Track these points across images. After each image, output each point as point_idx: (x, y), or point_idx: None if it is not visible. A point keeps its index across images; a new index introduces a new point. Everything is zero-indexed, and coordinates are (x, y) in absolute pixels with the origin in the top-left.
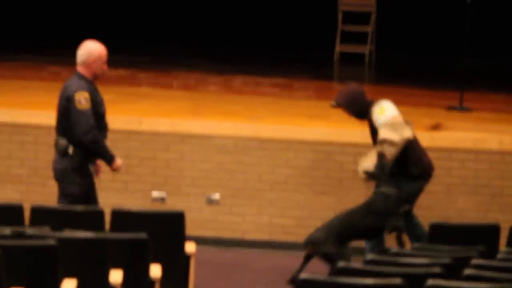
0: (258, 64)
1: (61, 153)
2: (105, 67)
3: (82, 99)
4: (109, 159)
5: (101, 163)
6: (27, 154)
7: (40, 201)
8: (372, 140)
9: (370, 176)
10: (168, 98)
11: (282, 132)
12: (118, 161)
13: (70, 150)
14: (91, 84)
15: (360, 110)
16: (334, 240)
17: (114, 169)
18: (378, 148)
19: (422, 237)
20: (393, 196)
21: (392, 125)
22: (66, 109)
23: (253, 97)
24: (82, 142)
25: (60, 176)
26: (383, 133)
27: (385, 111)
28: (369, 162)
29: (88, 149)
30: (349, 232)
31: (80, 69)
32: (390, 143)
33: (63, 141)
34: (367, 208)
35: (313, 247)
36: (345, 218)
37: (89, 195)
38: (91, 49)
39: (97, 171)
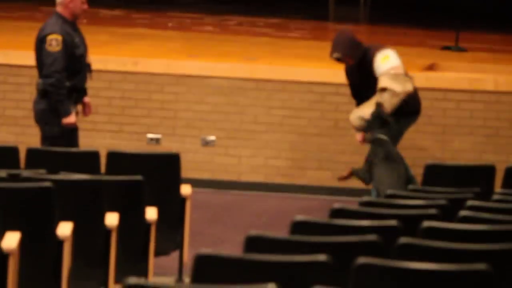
0: (253, 4)
1: (40, 94)
2: (84, 6)
3: (53, 41)
4: (63, 111)
5: (89, 102)
6: (22, 95)
7: (36, 144)
8: (360, 85)
9: (365, 124)
10: (163, 38)
11: (277, 73)
12: (71, 118)
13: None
14: (70, 24)
15: (359, 55)
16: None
17: (64, 124)
18: (377, 97)
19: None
20: (387, 140)
21: (394, 75)
22: (39, 50)
23: (248, 37)
24: (45, 84)
25: (40, 118)
26: (384, 82)
27: (389, 59)
28: (365, 110)
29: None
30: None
31: (59, 8)
32: (392, 93)
33: (41, 82)
34: (372, 161)
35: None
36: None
37: (71, 136)
38: None
39: (86, 111)
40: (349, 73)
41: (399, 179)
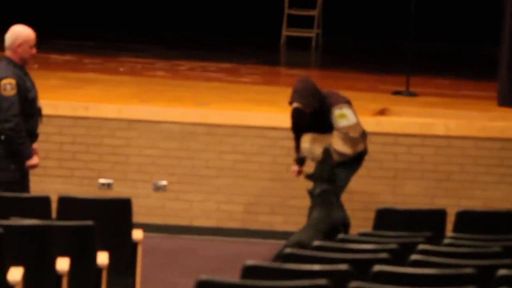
0: (204, 49)
1: None
2: (33, 51)
3: (7, 85)
4: (26, 154)
5: (37, 148)
6: None
7: None
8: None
9: (310, 176)
10: (114, 83)
11: (228, 118)
12: (35, 160)
13: (3, 136)
14: (20, 68)
15: (316, 105)
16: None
17: (28, 166)
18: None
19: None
20: (330, 190)
21: (347, 138)
22: None
23: (199, 82)
24: (3, 129)
25: None
26: (337, 144)
27: (346, 117)
28: (317, 147)
29: (8, 137)
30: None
31: (8, 53)
32: (342, 155)
33: None
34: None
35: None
36: (321, 215)
37: (23, 181)
38: (17, 33)
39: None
40: (297, 116)
41: (322, 222)
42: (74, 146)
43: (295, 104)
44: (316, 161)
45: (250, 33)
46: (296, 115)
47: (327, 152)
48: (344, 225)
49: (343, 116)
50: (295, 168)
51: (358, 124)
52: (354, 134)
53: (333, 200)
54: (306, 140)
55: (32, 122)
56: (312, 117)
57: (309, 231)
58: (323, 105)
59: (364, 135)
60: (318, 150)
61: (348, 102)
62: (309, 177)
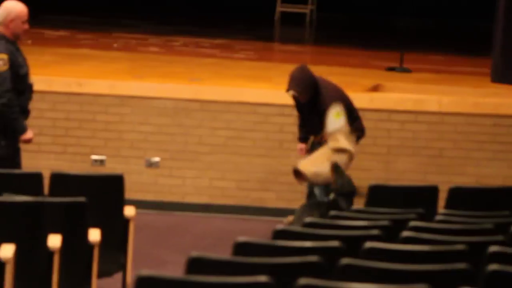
0: (198, 25)
1: None
2: (25, 26)
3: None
4: (20, 129)
5: (31, 126)
6: None
7: None
8: (307, 118)
9: (337, 190)
10: (108, 59)
11: (222, 94)
12: (29, 134)
13: None
14: (13, 44)
15: (312, 94)
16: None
17: (23, 141)
18: (333, 155)
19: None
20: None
21: (348, 135)
22: None
23: (193, 58)
24: None
25: None
26: (343, 142)
27: (340, 116)
28: (319, 165)
29: (0, 113)
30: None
31: (0, 29)
32: (350, 155)
33: None
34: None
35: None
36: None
37: (14, 157)
38: (9, 8)
39: None
40: (298, 105)
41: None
42: (67, 122)
43: (291, 92)
44: (326, 181)
45: (244, 9)
46: (295, 104)
47: (336, 166)
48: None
49: (339, 115)
50: (301, 146)
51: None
52: (347, 130)
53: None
54: (306, 165)
55: (23, 98)
56: (308, 106)
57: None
58: (318, 99)
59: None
60: (324, 170)
61: (341, 97)
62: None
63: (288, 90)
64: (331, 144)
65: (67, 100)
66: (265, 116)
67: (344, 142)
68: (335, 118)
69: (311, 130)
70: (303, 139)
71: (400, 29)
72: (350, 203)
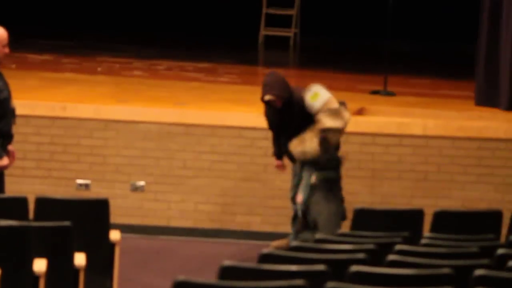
0: (182, 49)
1: None
2: (5, 50)
3: None
4: None
5: (14, 151)
6: None
7: None
8: (281, 126)
9: (317, 165)
10: (92, 83)
11: (206, 118)
12: (4, 161)
13: None
14: None
15: (287, 98)
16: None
17: None
18: (319, 133)
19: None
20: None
21: (332, 111)
22: None
23: (177, 82)
24: None
25: None
26: (326, 122)
27: (319, 95)
28: (307, 144)
29: None
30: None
31: None
32: (335, 131)
33: None
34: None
35: None
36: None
37: None
38: None
39: (9, 160)
40: (270, 115)
41: (336, 215)
42: (51, 146)
43: (267, 97)
44: (314, 158)
45: (228, 33)
46: (269, 110)
47: (323, 139)
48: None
49: (316, 96)
50: (278, 163)
51: (332, 97)
52: (334, 105)
53: (337, 190)
54: (295, 145)
55: (4, 123)
56: (284, 111)
57: (329, 228)
58: (292, 99)
59: (343, 103)
60: (312, 146)
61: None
62: (317, 168)
63: (263, 97)
64: (317, 126)
65: (52, 125)
66: (250, 140)
67: (326, 121)
68: (312, 101)
69: (293, 135)
70: (277, 154)
71: (384, 53)
72: (338, 174)
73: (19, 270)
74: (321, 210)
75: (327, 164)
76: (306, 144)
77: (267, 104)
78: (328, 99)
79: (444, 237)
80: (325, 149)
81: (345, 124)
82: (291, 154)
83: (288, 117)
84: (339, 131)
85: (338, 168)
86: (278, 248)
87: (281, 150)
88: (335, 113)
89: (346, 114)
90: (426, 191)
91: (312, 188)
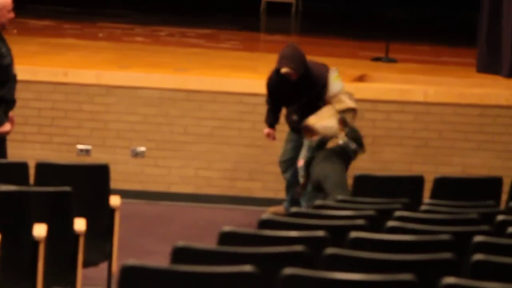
0: (183, 15)
1: None
2: (11, 15)
3: None
4: None
5: (14, 116)
6: None
7: None
8: (287, 98)
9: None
10: (93, 49)
11: (208, 84)
12: (6, 127)
13: None
14: None
15: (303, 72)
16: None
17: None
18: (338, 114)
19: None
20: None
21: (348, 94)
22: None
23: (179, 48)
24: None
25: None
26: (348, 102)
27: (339, 78)
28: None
29: None
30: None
31: None
32: (354, 110)
33: None
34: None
35: None
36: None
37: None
38: None
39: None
40: (275, 86)
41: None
42: (52, 112)
43: (284, 69)
44: (334, 135)
45: None
46: (278, 80)
47: (344, 120)
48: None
49: (338, 78)
50: (269, 131)
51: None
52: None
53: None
54: (315, 120)
55: (7, 89)
56: (296, 85)
57: (337, 190)
58: (309, 71)
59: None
60: (332, 124)
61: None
62: (350, 137)
63: (281, 67)
64: (337, 105)
65: (53, 90)
66: (251, 106)
67: (348, 101)
68: (335, 81)
69: (298, 110)
70: (272, 124)
71: (386, 20)
72: (360, 147)
73: (19, 235)
74: (327, 171)
75: (353, 139)
76: (324, 122)
77: (279, 75)
78: (343, 85)
79: (444, 204)
80: (350, 128)
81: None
82: (298, 127)
83: (299, 91)
84: (355, 111)
85: (360, 147)
86: (275, 214)
87: (276, 119)
88: (350, 96)
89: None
90: (426, 158)
91: (316, 148)
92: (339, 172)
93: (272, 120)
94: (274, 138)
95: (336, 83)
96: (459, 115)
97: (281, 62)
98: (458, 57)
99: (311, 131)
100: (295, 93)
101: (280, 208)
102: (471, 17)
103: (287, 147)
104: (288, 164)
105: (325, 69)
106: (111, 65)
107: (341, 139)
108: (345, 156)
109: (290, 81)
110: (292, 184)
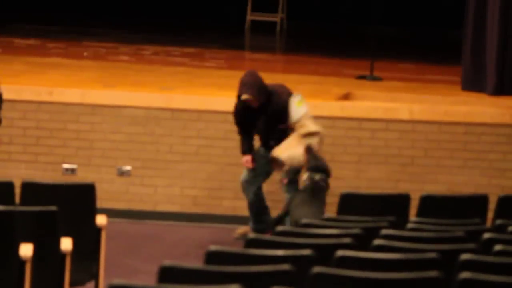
0: (168, 34)
1: None
2: None
3: None
4: None
5: (0, 135)
6: None
7: None
8: (251, 124)
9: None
10: (78, 68)
11: (193, 103)
12: None
13: None
14: None
15: (264, 98)
16: None
17: None
18: (304, 140)
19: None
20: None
21: (311, 118)
22: None
23: (163, 67)
24: None
25: None
26: (311, 126)
27: (302, 103)
28: (293, 150)
29: None
30: None
31: None
32: (317, 134)
33: None
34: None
35: None
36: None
37: None
38: None
39: None
40: (241, 112)
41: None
42: (38, 131)
43: (245, 96)
44: (301, 164)
45: (214, 17)
46: (242, 107)
47: (309, 148)
48: None
49: (301, 103)
50: (246, 158)
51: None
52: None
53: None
54: (282, 150)
55: None
56: (259, 110)
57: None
58: (272, 99)
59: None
60: (298, 153)
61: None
62: (312, 169)
63: (241, 95)
64: (301, 130)
65: (38, 109)
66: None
67: (312, 126)
68: (298, 107)
69: (266, 134)
70: (247, 151)
71: (370, 38)
72: (326, 181)
73: (5, 254)
74: (305, 214)
75: (316, 169)
76: (291, 151)
77: (242, 102)
78: (307, 110)
79: (431, 222)
80: (313, 156)
81: (322, 131)
82: (271, 158)
83: (261, 117)
84: (319, 135)
85: (326, 175)
86: (243, 234)
87: (250, 146)
88: (313, 120)
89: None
90: (412, 176)
91: (300, 191)
92: (318, 214)
93: (246, 148)
94: (253, 164)
95: (298, 108)
96: (444, 133)
97: (241, 90)
98: (443, 74)
99: (277, 162)
100: (258, 118)
101: (246, 229)
102: (455, 34)
103: (250, 173)
104: (250, 184)
105: (287, 94)
106: (96, 84)
107: (304, 174)
108: (319, 191)
109: (252, 108)
110: (252, 204)
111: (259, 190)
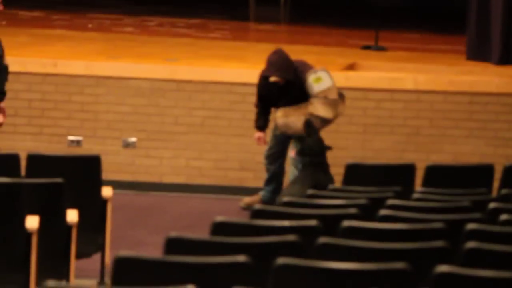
0: (173, 5)
1: None
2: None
3: None
4: None
5: (5, 108)
6: None
7: None
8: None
9: (300, 152)
10: (83, 40)
11: (198, 74)
12: None
13: None
14: None
15: (290, 76)
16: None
17: None
18: (307, 116)
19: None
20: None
21: (326, 100)
22: None
23: (168, 38)
24: None
25: None
26: (318, 109)
27: (322, 80)
28: (293, 118)
29: None
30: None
31: None
32: (324, 120)
33: None
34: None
35: None
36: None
37: None
38: None
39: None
40: (266, 89)
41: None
42: (43, 103)
43: (273, 78)
44: (296, 134)
45: None
46: (267, 85)
47: (309, 123)
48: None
49: (319, 80)
50: (259, 135)
51: (334, 86)
52: (333, 96)
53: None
54: (280, 116)
55: None
56: (284, 88)
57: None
58: (296, 75)
59: (342, 96)
60: (296, 123)
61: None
62: (301, 153)
63: (268, 76)
64: (310, 108)
65: (43, 81)
66: (241, 96)
67: (319, 109)
68: (313, 84)
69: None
70: (262, 127)
71: (375, 7)
72: (324, 161)
73: (11, 227)
74: (295, 192)
75: (310, 150)
76: (291, 119)
77: (268, 80)
78: (329, 87)
79: (436, 192)
80: (308, 133)
81: (336, 116)
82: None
83: (286, 93)
84: (327, 122)
85: (321, 155)
86: (249, 204)
87: (266, 122)
88: (330, 104)
89: (341, 107)
90: (417, 146)
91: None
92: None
93: (262, 123)
94: (265, 142)
95: (313, 85)
96: (449, 102)
97: (269, 70)
98: (448, 44)
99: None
100: (283, 94)
101: (255, 198)
102: (460, 4)
103: (273, 141)
104: (276, 157)
105: (306, 71)
106: (100, 56)
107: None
108: (315, 170)
109: (278, 85)
110: (277, 175)
111: (284, 162)
